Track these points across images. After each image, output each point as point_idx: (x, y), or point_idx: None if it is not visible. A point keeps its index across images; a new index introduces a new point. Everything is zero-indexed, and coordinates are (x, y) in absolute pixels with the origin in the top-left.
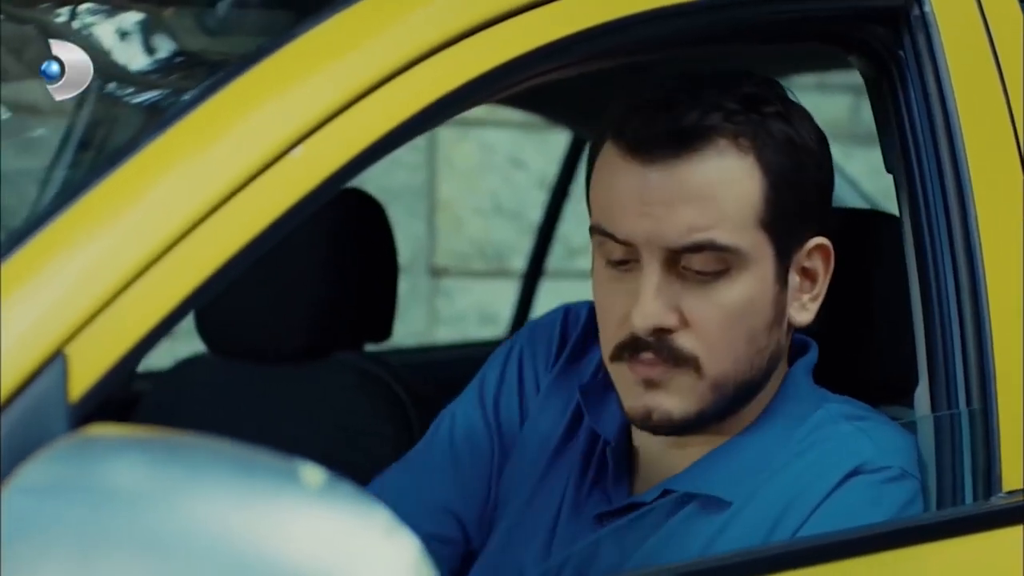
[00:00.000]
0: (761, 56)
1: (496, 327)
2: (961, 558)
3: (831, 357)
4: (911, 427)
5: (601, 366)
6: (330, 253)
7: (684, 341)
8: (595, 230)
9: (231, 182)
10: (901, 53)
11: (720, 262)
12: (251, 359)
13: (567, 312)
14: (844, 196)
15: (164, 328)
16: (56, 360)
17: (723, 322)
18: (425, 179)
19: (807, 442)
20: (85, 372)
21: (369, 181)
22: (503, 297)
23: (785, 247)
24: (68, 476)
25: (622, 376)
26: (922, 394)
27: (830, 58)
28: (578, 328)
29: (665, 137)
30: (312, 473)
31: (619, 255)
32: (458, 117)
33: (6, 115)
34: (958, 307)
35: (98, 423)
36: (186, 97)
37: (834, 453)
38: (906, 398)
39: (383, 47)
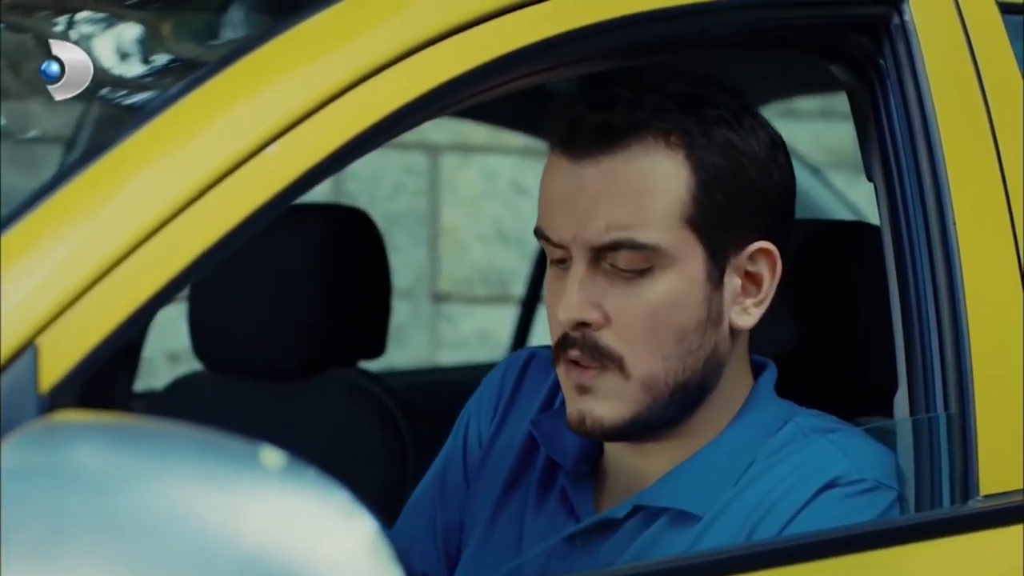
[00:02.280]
0: (757, 74)
1: (498, 353)
2: (938, 561)
3: (813, 366)
4: (887, 434)
5: (548, 401)
6: (324, 271)
7: (607, 339)
8: (537, 232)
9: (204, 178)
10: (881, 62)
11: (643, 260)
12: (246, 377)
13: (508, 363)
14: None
15: (136, 321)
16: (27, 351)
17: (646, 320)
18: (428, 205)
19: (778, 455)
20: (56, 363)
21: (372, 207)
22: (505, 323)
23: (719, 248)
24: (33, 460)
25: (562, 380)
26: (901, 399)
27: (826, 81)
28: (515, 373)
29: (593, 133)
30: (272, 456)
31: (558, 255)
32: (460, 143)
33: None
34: (936, 313)
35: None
36: (161, 95)
37: (807, 466)
38: (888, 408)
39: (367, 43)
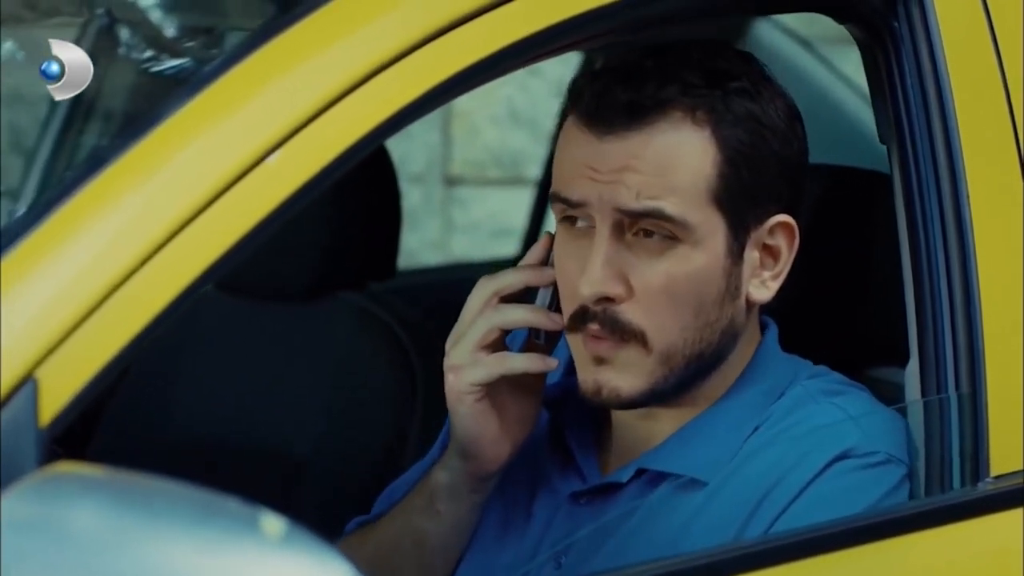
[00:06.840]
0: None
1: (511, 236)
2: (949, 546)
3: (827, 316)
4: (900, 409)
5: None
6: (333, 191)
7: (630, 314)
8: (553, 197)
9: (201, 198)
10: (895, 23)
11: (669, 233)
12: (254, 297)
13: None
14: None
15: (135, 347)
16: (27, 384)
17: (668, 294)
18: None
19: (786, 422)
20: (55, 396)
21: None
22: (519, 205)
23: (740, 223)
24: (34, 514)
25: (576, 349)
26: (912, 376)
27: None
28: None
29: (620, 109)
30: (272, 522)
31: (575, 214)
32: None
33: None
34: (949, 290)
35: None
36: (146, 118)
37: (817, 436)
38: (899, 359)
39: (381, 32)
